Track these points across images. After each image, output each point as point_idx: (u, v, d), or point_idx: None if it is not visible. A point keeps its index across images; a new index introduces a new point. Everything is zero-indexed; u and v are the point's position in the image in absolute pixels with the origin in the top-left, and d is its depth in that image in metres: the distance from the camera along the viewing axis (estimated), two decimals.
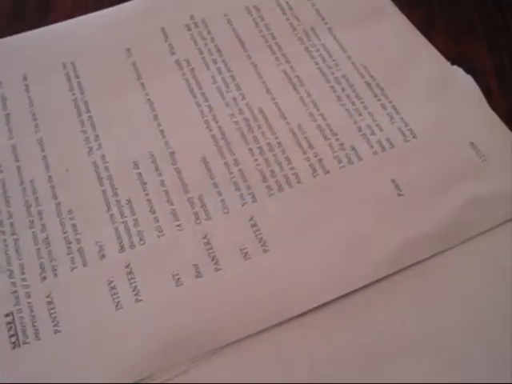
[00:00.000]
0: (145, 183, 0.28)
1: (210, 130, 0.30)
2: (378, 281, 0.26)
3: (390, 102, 0.30)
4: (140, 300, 0.26)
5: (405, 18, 0.34)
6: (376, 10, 0.34)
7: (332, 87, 0.31)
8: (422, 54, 0.32)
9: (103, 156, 0.29)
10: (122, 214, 0.28)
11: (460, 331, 0.25)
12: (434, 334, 0.25)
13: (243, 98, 0.31)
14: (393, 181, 0.28)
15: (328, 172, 0.28)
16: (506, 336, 0.25)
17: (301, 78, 0.31)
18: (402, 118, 0.30)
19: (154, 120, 0.30)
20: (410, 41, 0.33)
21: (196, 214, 0.28)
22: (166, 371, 0.24)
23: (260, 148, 0.29)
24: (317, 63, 0.32)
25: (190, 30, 0.33)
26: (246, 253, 0.27)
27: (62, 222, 0.28)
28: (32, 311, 0.26)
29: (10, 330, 0.26)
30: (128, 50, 0.33)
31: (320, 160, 0.29)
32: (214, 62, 0.32)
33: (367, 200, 0.28)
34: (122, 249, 0.27)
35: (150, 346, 0.25)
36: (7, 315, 0.26)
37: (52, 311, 0.26)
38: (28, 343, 0.25)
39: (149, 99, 0.31)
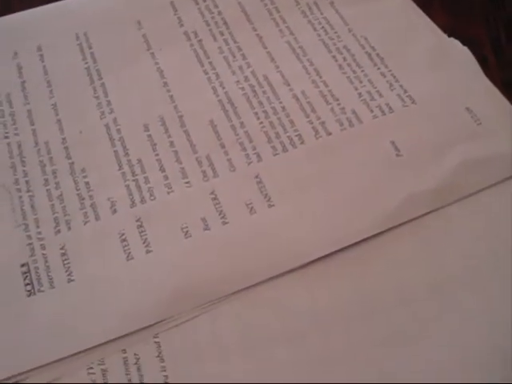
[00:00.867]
0: (155, 144, 0.29)
1: (217, 96, 0.31)
2: (378, 234, 0.27)
3: (390, 71, 0.32)
4: (150, 251, 0.27)
5: None
6: None
7: (334, 57, 0.32)
8: (420, 26, 0.33)
9: (115, 119, 0.30)
10: (133, 173, 0.29)
11: (458, 281, 0.26)
12: (433, 284, 0.26)
13: (248, 67, 0.32)
14: (392, 142, 0.29)
15: (330, 134, 0.29)
16: (500, 284, 0.26)
17: (304, 48, 0.32)
18: (401, 86, 0.31)
19: (164, 87, 0.31)
20: (408, 15, 0.34)
21: (204, 172, 0.29)
22: (175, 317, 0.25)
23: (265, 112, 0.30)
24: (319, 35, 0.33)
25: (197, 4, 0.35)
26: (252, 207, 0.28)
27: (76, 180, 0.29)
28: (46, 262, 0.27)
29: (25, 279, 0.27)
30: (138, 22, 0.34)
31: (322, 123, 0.30)
32: (221, 33, 0.33)
33: (367, 160, 0.29)
34: (133, 204, 0.28)
35: (160, 293, 0.26)
36: (23, 265, 0.27)
37: (66, 262, 0.27)
38: (43, 291, 0.26)
39: (159, 68, 0.32)
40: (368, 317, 0.25)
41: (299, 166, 0.28)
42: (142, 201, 0.28)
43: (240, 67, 0.32)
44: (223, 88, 0.31)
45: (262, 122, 0.30)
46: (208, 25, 0.34)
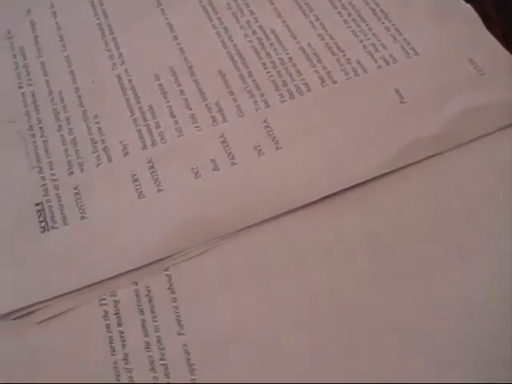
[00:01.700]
0: (165, 92, 0.30)
1: (226, 48, 0.31)
2: (382, 176, 0.27)
3: (393, 25, 0.32)
4: (161, 190, 0.27)
5: None
6: None
7: (339, 12, 0.33)
8: None
9: (126, 70, 0.31)
10: (144, 118, 0.29)
11: (459, 220, 0.27)
12: (435, 223, 0.27)
13: (256, 21, 0.32)
14: (396, 90, 0.29)
15: (336, 82, 0.30)
16: (500, 222, 0.26)
17: (310, 4, 0.33)
18: (404, 39, 0.31)
19: (174, 40, 0.32)
20: None
21: (213, 117, 0.29)
22: (185, 252, 0.26)
23: (272, 62, 0.31)
24: None
25: None
26: (260, 149, 0.28)
27: (89, 125, 0.29)
28: (60, 201, 0.27)
29: (39, 216, 0.27)
30: None
31: (328, 72, 0.30)
32: None
33: (372, 106, 0.29)
34: (144, 147, 0.28)
35: (171, 228, 0.26)
36: (37, 204, 0.27)
37: (79, 200, 0.27)
38: (56, 228, 0.27)
39: (169, 23, 0.32)
40: (373, 253, 0.26)
41: (306, 111, 0.29)
42: (153, 144, 0.28)
43: (248, 22, 0.32)
44: (232, 41, 0.31)
45: (269, 72, 0.30)
46: None
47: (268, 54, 0.31)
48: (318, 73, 0.30)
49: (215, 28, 0.32)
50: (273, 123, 0.29)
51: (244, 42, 0.31)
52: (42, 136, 0.29)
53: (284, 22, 0.32)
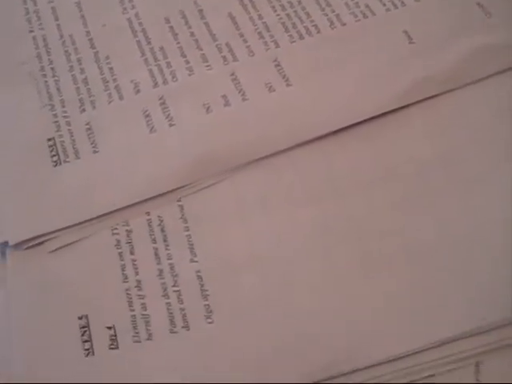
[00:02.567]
0: (176, 34, 0.30)
1: None
2: (392, 111, 0.27)
3: None
4: (173, 125, 0.27)
5: None
6: None
7: None
8: None
9: (137, 14, 0.30)
10: (155, 59, 0.29)
11: (467, 152, 0.26)
12: (444, 157, 0.26)
13: None
14: (405, 32, 0.29)
15: (344, 24, 0.30)
16: (504, 155, 0.26)
17: None
18: None
19: None
20: None
21: (224, 57, 0.29)
22: (197, 183, 0.26)
23: (282, 5, 0.30)
24: None
25: None
26: (271, 86, 0.28)
27: (100, 66, 0.29)
28: (72, 136, 0.27)
29: (51, 151, 0.27)
30: None
31: (337, 15, 0.30)
32: None
33: (381, 46, 0.29)
34: (155, 85, 0.28)
35: (183, 160, 0.26)
36: (49, 139, 0.27)
37: (91, 136, 0.27)
38: (68, 162, 0.26)
39: None
40: (384, 184, 0.26)
41: (316, 51, 0.29)
42: (165, 82, 0.28)
43: None
44: None
45: (278, 14, 0.30)
46: None
47: None
48: (327, 15, 0.30)
49: None
50: (283, 62, 0.28)
51: None
52: (54, 76, 0.29)
53: None
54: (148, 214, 0.25)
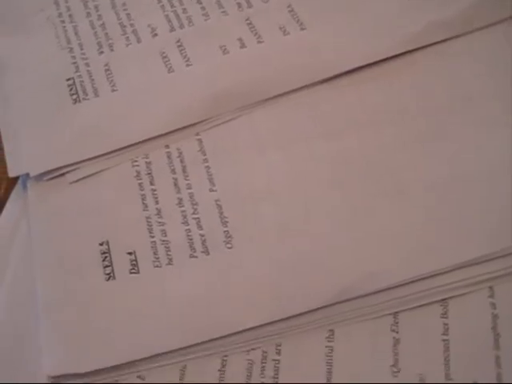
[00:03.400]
0: None
1: None
2: (404, 54, 0.28)
3: None
4: (190, 65, 0.27)
5: None
6: None
7: None
8: None
9: None
10: (171, 5, 0.29)
11: (476, 94, 0.27)
12: (451, 99, 0.27)
13: None
14: None
15: None
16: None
17: None
18: None
19: None
20: None
21: (239, 3, 0.29)
22: (215, 118, 0.26)
23: None
24: None
25: None
26: (285, 30, 0.28)
27: (117, 12, 0.29)
28: (91, 76, 0.28)
29: (71, 90, 0.27)
30: None
31: None
32: None
33: None
34: (172, 29, 0.29)
35: (201, 97, 0.26)
36: (68, 79, 0.27)
37: (109, 76, 0.27)
38: (87, 99, 0.27)
39: None
40: (398, 122, 0.26)
41: None
42: (181, 26, 0.29)
43: None
44: None
45: None
46: None
47: None
48: None
49: None
50: (296, 7, 0.29)
51: None
52: (72, 22, 0.29)
53: None
54: (167, 147, 0.26)
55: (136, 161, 0.25)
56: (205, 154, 0.25)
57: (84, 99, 0.27)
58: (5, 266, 0.24)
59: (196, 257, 0.23)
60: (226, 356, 0.22)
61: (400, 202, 0.24)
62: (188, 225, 0.24)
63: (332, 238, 0.24)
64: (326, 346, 0.23)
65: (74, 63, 0.28)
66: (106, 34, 0.29)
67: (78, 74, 0.27)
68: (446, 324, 0.23)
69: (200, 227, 0.24)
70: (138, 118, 0.26)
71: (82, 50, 0.28)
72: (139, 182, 0.25)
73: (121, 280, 0.23)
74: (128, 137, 0.26)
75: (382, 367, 0.22)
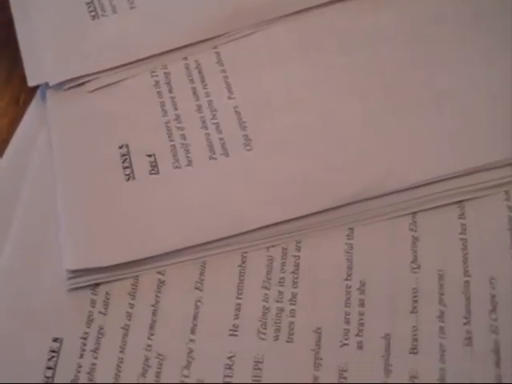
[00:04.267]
0: None
1: None
2: None
3: None
4: None
5: None
6: None
7: None
8: None
9: None
10: None
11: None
12: (463, 17, 0.27)
13: None
14: None
15: None
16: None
17: None
18: None
19: None
20: None
21: None
22: (233, 33, 0.26)
23: None
24: None
25: None
26: None
27: None
28: None
29: (89, 7, 0.27)
30: None
31: None
32: None
33: None
34: None
35: (220, 11, 0.26)
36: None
37: None
38: (106, 16, 0.27)
39: None
40: (410, 41, 0.26)
41: None
42: None
43: None
44: None
45: None
46: None
47: None
48: None
49: None
50: None
51: None
52: None
53: None
54: (185, 59, 0.26)
55: (155, 71, 0.25)
56: (222, 65, 0.25)
57: (102, 15, 0.27)
58: (25, 171, 0.24)
59: (215, 158, 0.23)
60: (246, 253, 0.22)
61: (415, 110, 0.24)
62: (207, 129, 0.24)
63: (351, 139, 0.24)
64: (346, 243, 0.23)
65: None
66: None
67: None
68: (463, 224, 0.23)
69: (219, 131, 0.24)
70: (156, 32, 0.26)
71: None
72: (158, 90, 0.25)
73: (141, 180, 0.23)
74: (146, 49, 0.25)
75: (402, 263, 0.22)
